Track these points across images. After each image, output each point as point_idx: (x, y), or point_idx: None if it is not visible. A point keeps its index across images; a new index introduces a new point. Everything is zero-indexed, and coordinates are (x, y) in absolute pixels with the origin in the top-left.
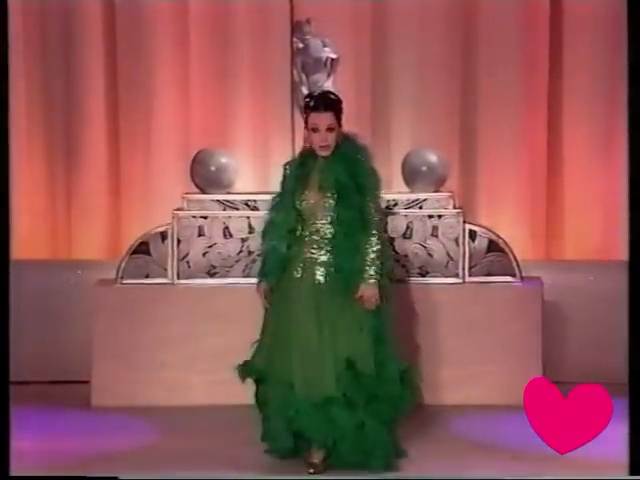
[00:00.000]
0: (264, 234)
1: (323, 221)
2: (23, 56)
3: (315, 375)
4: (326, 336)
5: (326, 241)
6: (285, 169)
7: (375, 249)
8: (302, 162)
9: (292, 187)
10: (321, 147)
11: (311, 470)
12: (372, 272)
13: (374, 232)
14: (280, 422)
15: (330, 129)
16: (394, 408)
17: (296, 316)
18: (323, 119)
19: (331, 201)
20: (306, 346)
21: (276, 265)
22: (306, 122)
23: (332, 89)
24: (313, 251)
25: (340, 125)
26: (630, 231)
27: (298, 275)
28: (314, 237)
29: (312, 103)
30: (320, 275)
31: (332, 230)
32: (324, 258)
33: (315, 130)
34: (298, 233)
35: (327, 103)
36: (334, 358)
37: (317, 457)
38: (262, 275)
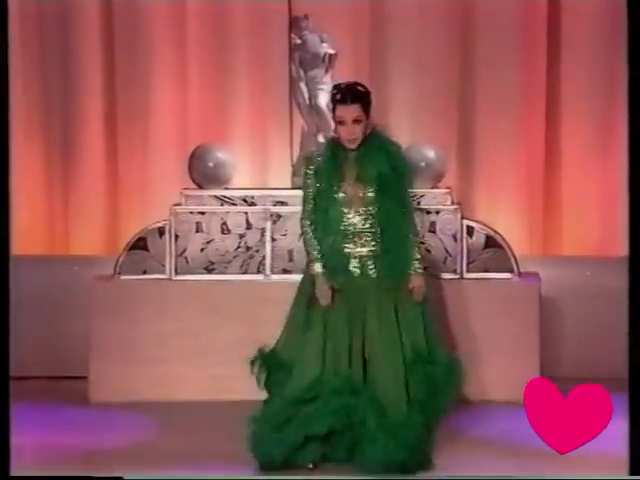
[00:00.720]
0: (317, 230)
1: (358, 214)
2: (20, 53)
3: (383, 376)
4: (388, 333)
5: (365, 234)
6: (313, 160)
7: (417, 240)
8: (333, 153)
9: (328, 178)
10: (349, 140)
11: (311, 465)
12: (418, 263)
13: (414, 223)
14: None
15: (357, 121)
16: (443, 401)
17: (347, 314)
18: (350, 111)
19: (370, 193)
20: (370, 345)
21: (340, 263)
22: (333, 114)
23: (330, 84)
24: (350, 244)
25: (368, 117)
26: (630, 225)
27: (357, 271)
28: (348, 230)
29: (339, 96)
30: (370, 269)
31: (370, 222)
32: (364, 251)
33: (342, 123)
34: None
35: (354, 95)
36: (398, 355)
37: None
38: (327, 275)
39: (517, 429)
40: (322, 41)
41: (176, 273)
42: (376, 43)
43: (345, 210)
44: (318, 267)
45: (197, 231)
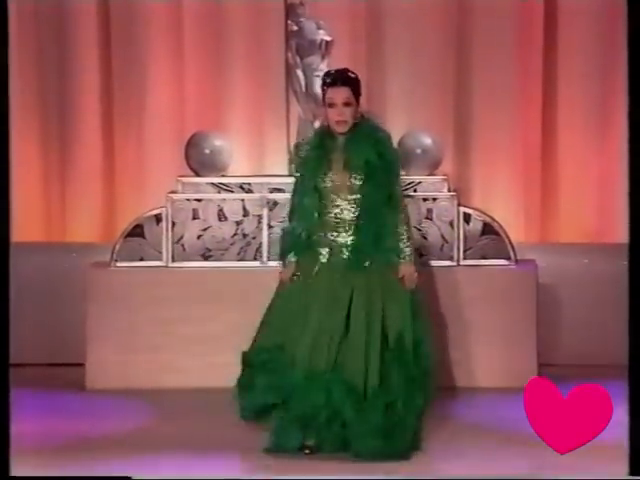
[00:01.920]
0: (291, 218)
1: (346, 202)
2: (17, 40)
3: (356, 363)
4: (364, 320)
5: (350, 222)
6: (301, 149)
7: (407, 227)
8: (321, 141)
9: (313, 167)
10: (337, 122)
11: (307, 451)
12: (408, 251)
13: (403, 211)
14: (300, 411)
15: (347, 104)
16: (428, 389)
17: (331, 302)
18: (340, 93)
19: (357, 182)
20: (351, 333)
21: (302, 246)
22: (323, 99)
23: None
24: (336, 233)
25: (358, 103)
26: (630, 211)
27: (325, 260)
28: (337, 218)
29: (329, 79)
30: (356, 258)
31: (356, 211)
32: (349, 240)
33: (332, 105)
34: (316, 215)
35: (344, 78)
36: (375, 341)
37: (311, 440)
38: (287, 255)
39: (514, 416)
40: (319, 28)
41: (173, 260)
42: (373, 30)
43: (332, 198)
44: (292, 256)
45: (194, 218)
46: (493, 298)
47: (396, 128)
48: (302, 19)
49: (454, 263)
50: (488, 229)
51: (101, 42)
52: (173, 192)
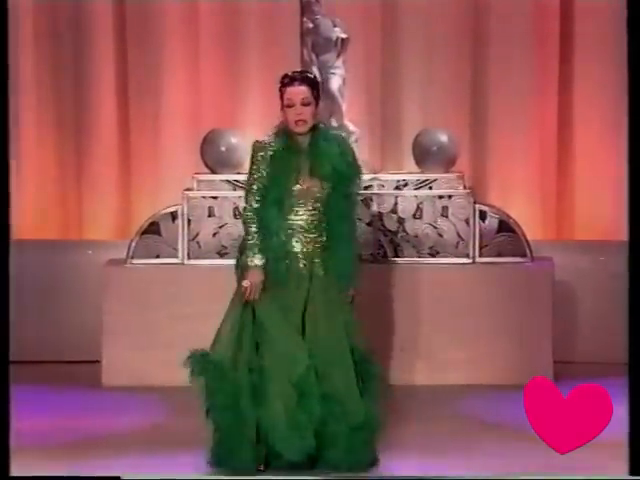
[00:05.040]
0: (248, 222)
1: (308, 209)
2: (33, 35)
3: (330, 371)
4: (336, 331)
5: (311, 231)
6: (265, 149)
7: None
8: (284, 143)
9: (282, 170)
10: (297, 122)
11: (262, 467)
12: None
13: (355, 222)
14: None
15: (305, 104)
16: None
17: (296, 311)
18: (298, 92)
19: (324, 189)
20: (314, 341)
21: (285, 259)
22: (282, 100)
23: (342, 69)
24: (298, 241)
25: (317, 105)
26: (630, 211)
27: (284, 269)
28: (298, 225)
29: (286, 79)
30: (316, 267)
31: (317, 219)
32: (310, 248)
33: (290, 105)
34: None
35: (302, 77)
36: (347, 353)
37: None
38: (251, 256)
39: None
40: (334, 25)
41: (188, 257)
42: (388, 27)
43: (295, 204)
44: (258, 260)
45: (209, 215)
46: (509, 296)
47: (412, 125)
48: (318, 16)
49: (470, 261)
50: (504, 226)
51: (117, 38)
52: (189, 189)
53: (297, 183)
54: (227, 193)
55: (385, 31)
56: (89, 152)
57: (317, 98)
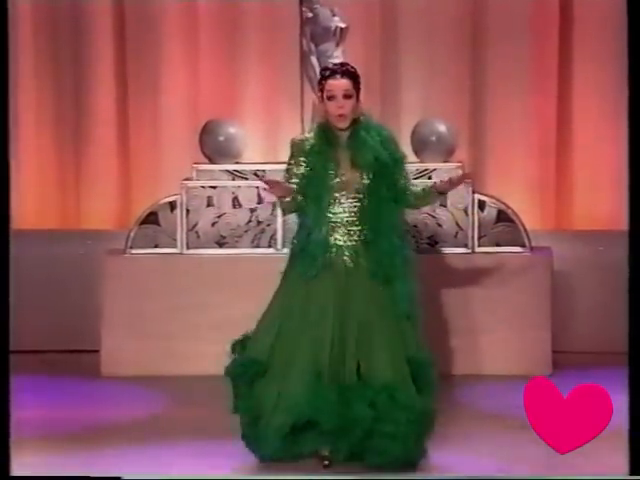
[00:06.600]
0: (303, 221)
1: (350, 201)
2: (32, 28)
3: (376, 364)
4: (385, 322)
5: (354, 222)
6: (302, 146)
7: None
8: (325, 138)
9: (323, 163)
10: (338, 116)
11: (326, 462)
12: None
13: (405, 210)
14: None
15: (347, 96)
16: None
17: (340, 305)
18: (339, 85)
19: (365, 180)
20: (359, 334)
21: (328, 252)
22: (322, 93)
23: (341, 58)
24: (340, 235)
25: (358, 97)
26: (630, 201)
27: (321, 264)
28: (340, 219)
29: (328, 72)
30: (360, 259)
31: (360, 210)
32: (353, 240)
33: (331, 98)
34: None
35: (344, 70)
36: (399, 342)
37: (327, 449)
38: (311, 267)
39: None
40: (333, 14)
41: (187, 247)
42: (387, 16)
43: (336, 198)
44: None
45: (208, 205)
46: (508, 285)
47: (410, 115)
48: (316, 6)
49: (468, 250)
50: (503, 216)
51: (116, 28)
52: (187, 179)
53: (337, 176)
54: (226, 183)
55: (384, 20)
56: (88, 142)
57: (358, 91)
